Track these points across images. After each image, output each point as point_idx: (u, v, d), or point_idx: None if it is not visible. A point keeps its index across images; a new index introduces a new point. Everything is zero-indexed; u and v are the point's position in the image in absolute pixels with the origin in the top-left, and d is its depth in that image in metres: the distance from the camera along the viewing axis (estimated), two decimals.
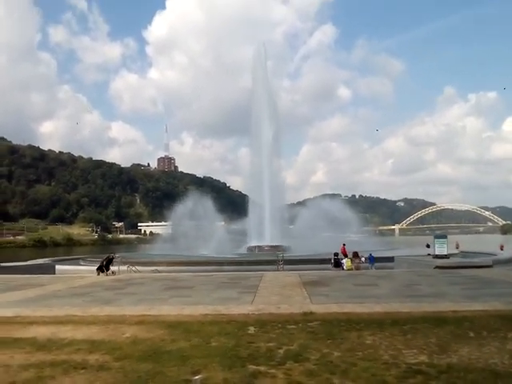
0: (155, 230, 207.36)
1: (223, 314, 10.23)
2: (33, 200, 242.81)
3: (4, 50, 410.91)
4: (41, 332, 8.48)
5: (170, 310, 11.01)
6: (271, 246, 50.22)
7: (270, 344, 7.43)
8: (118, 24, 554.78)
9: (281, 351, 7.00)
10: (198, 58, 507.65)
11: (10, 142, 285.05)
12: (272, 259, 30.76)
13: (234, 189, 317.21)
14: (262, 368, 6.14)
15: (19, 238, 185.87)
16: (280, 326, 8.90)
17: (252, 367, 6.17)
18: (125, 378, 5.64)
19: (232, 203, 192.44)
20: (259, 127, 63.03)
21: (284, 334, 8.23)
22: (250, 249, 53.43)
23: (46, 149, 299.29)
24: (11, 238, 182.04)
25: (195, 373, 5.86)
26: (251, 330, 8.62)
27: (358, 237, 62.21)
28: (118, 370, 5.95)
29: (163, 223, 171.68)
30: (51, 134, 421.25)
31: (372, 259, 28.44)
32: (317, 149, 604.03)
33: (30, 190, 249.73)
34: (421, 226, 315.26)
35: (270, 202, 59.55)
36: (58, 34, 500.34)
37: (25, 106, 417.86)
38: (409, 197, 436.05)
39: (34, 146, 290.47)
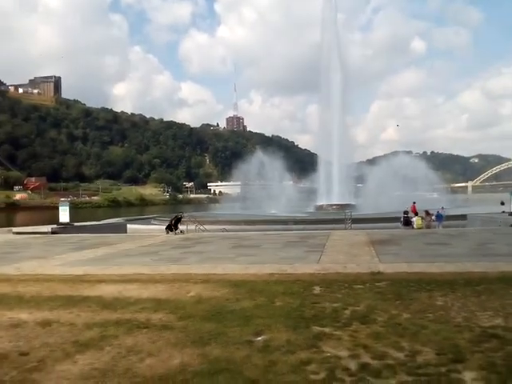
0: (224, 189, 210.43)
1: (289, 274, 10.10)
2: (107, 161, 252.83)
3: (77, 11, 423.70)
4: (108, 290, 8.69)
5: (236, 268, 11.03)
6: (339, 205, 49.70)
7: (336, 304, 7.19)
8: None
9: (347, 312, 6.75)
10: (267, 14, 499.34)
11: (84, 104, 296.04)
12: (340, 218, 30.36)
13: (303, 147, 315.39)
14: (327, 329, 5.93)
15: (95, 198, 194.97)
16: (346, 285, 8.63)
17: (316, 328, 5.98)
18: (187, 337, 5.62)
19: (300, 162, 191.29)
20: (328, 83, 61.54)
21: (350, 294, 7.96)
22: (318, 207, 53.12)
23: (119, 111, 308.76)
24: (87, 198, 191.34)
25: (258, 333, 5.75)
26: (317, 289, 8.42)
27: (430, 195, 60.24)
28: (181, 330, 5.95)
29: (232, 183, 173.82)
30: (123, 96, 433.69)
31: (440, 217, 27.32)
32: (388, 105, 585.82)
33: (104, 152, 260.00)
34: (495, 183, 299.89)
35: (338, 160, 58.64)
36: None
37: (98, 68, 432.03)
38: (483, 153, 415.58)
39: (107, 109, 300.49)
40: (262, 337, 5.63)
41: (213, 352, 5.08)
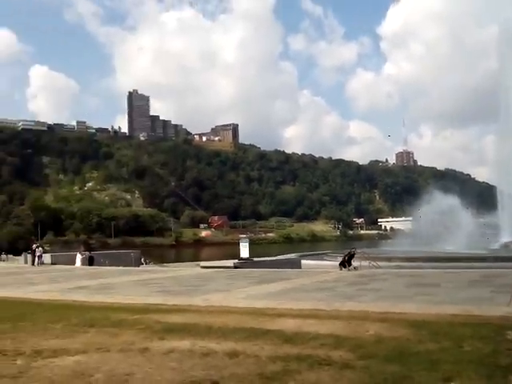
0: (395, 225, 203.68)
1: (475, 316, 9.18)
2: (280, 200, 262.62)
3: (252, 62, 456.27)
4: (287, 325, 8.76)
5: (415, 308, 10.37)
6: None
7: None
8: (352, 24, 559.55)
9: None
10: (436, 46, 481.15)
11: (259, 148, 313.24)
12: None
13: (480, 180, 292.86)
14: None
15: (270, 235, 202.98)
16: None
17: None
18: (370, 378, 5.36)
19: (478, 195, 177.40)
20: (507, 111, 56.79)
21: None
22: (505, 244, 48.39)
23: (290, 152, 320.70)
24: (263, 235, 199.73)
25: (447, 380, 5.26)
26: (510, 334, 7.51)
27: None
28: (363, 370, 5.70)
29: (404, 218, 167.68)
30: (294, 138, 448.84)
31: None
32: None
33: (277, 191, 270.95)
34: None
35: None
36: (297, 42, 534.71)
37: (271, 113, 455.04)
38: None
39: (280, 150, 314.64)
40: None
41: None
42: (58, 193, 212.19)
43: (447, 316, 9.21)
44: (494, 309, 9.88)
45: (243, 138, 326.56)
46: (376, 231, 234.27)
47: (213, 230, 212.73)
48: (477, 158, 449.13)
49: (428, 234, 57.32)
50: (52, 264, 36.30)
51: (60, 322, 9.76)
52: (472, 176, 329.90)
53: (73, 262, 35.64)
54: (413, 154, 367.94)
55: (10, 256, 56.82)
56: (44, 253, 38.86)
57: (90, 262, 35.17)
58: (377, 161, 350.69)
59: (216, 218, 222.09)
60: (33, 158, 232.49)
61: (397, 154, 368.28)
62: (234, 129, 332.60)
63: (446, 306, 10.34)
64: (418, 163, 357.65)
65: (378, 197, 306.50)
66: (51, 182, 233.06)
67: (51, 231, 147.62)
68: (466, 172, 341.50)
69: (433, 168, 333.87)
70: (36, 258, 36.00)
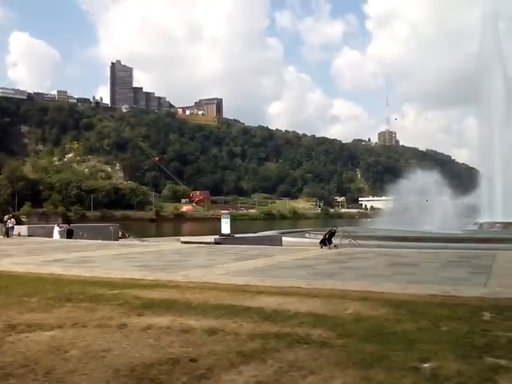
0: (376, 204, 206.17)
1: (453, 296, 9.30)
2: (263, 176, 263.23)
3: (238, 37, 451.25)
4: (268, 302, 8.77)
5: (394, 287, 10.48)
6: (505, 223, 45.49)
7: (511, 334, 6.43)
8: (339, 1, 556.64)
9: None
10: (421, 27, 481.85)
11: (243, 123, 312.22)
12: (506, 237, 27.75)
13: (460, 162, 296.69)
14: (503, 362, 5.27)
15: (251, 211, 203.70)
16: None
17: (490, 359, 5.33)
18: (348, 357, 5.38)
19: (457, 177, 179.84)
20: (488, 95, 57.18)
21: None
22: (480, 225, 49.20)
23: (274, 128, 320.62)
24: (245, 211, 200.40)
25: (424, 360, 5.31)
26: (486, 315, 7.60)
27: None
28: (341, 349, 5.73)
29: (384, 198, 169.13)
30: (278, 114, 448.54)
31: None
32: None
33: (260, 168, 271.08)
34: None
35: (502, 175, 53.89)
36: (283, 18, 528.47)
37: (255, 89, 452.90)
38: None
39: (264, 127, 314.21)
40: (429, 364, 5.18)
41: (377, 376, 4.77)
42: (37, 163, 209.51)
43: (425, 296, 9.32)
44: (471, 289, 10.03)
45: (227, 113, 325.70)
46: (357, 210, 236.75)
47: (194, 204, 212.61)
48: (458, 140, 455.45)
49: (407, 213, 57.88)
50: (29, 236, 35.82)
51: (35, 296, 9.64)
52: (452, 158, 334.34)
53: (50, 235, 35.19)
54: (395, 134, 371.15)
55: None
56: (17, 224, 38.02)
57: (69, 234, 34.81)
58: (360, 140, 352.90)
59: (198, 192, 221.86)
60: (11, 127, 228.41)
61: (379, 134, 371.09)
62: (218, 103, 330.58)
63: (424, 286, 10.48)
64: (400, 143, 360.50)
65: (359, 175, 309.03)
66: (30, 152, 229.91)
67: (29, 202, 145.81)
68: (446, 153, 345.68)
69: (414, 148, 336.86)
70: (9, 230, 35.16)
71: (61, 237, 34.49)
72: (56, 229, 35.79)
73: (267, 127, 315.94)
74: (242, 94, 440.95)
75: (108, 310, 8.21)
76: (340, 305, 8.51)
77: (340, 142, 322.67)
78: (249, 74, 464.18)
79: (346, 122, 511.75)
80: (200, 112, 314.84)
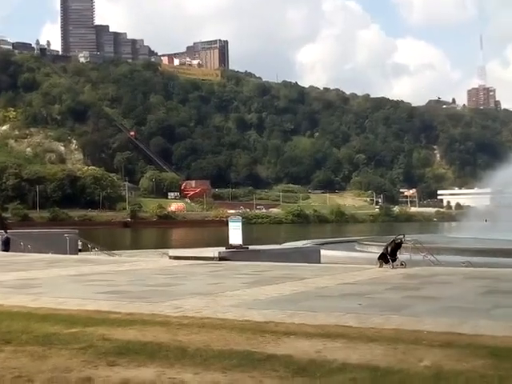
0: (464, 200, 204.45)
1: None
2: (289, 158, 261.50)
3: None
4: (300, 348, 8.76)
5: (493, 327, 10.43)
6: None
7: None
8: None
9: None
10: None
11: (260, 78, 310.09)
12: None
13: None
14: None
15: (273, 210, 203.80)
16: None
17: None
18: None
19: None
20: None
21: None
22: None
23: (307, 86, 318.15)
24: (264, 210, 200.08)
25: None
26: None
27: None
28: None
29: (477, 190, 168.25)
30: (312, 64, 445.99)
31: None
32: None
33: (285, 145, 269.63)
34: None
35: None
36: None
37: (278, 25, 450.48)
38: None
39: (291, 83, 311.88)
40: None
41: None
42: None
43: None
44: None
45: (236, 64, 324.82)
46: (435, 209, 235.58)
47: (188, 201, 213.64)
48: None
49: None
50: None
51: None
52: None
53: None
54: (494, 91, 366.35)
55: None
56: None
57: (5, 245, 35.16)
58: (439, 101, 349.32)
59: (193, 183, 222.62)
60: None
61: (469, 92, 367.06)
62: (222, 48, 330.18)
63: None
64: (503, 106, 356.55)
65: (438, 157, 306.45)
66: None
67: None
68: None
69: None
70: None
71: None
72: None
73: (296, 83, 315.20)
74: (257, 33, 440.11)
75: (64, 358, 8.27)
76: (411, 353, 8.49)
77: (409, 104, 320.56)
78: (266, 3, 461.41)
79: (416, 75, 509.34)
80: (195, 62, 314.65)
